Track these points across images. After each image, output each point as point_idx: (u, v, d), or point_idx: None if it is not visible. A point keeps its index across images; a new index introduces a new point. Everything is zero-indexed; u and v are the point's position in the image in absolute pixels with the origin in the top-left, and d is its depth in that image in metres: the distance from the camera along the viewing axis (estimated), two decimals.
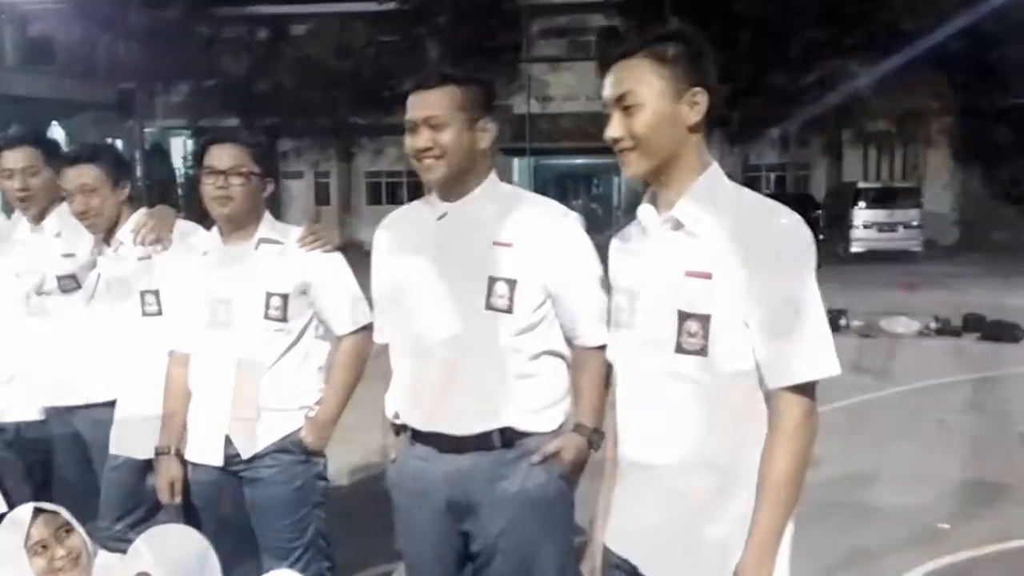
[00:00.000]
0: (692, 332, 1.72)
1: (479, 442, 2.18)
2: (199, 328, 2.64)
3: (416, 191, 27.18)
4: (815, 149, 25.23)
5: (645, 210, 1.84)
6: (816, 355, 1.68)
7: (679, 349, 1.72)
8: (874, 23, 20.67)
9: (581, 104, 27.28)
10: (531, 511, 2.19)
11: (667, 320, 1.74)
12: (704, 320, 1.70)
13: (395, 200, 25.28)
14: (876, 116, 23.24)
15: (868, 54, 20.73)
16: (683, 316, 1.72)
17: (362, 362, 2.66)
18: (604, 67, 1.79)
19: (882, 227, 18.92)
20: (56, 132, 22.95)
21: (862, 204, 19.15)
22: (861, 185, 20.79)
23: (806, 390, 1.69)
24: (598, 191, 31.52)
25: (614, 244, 1.95)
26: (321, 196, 29.07)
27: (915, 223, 19.16)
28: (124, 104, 25.01)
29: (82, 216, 2.86)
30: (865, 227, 18.76)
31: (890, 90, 21.45)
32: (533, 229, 2.18)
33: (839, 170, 25.21)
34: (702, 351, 1.71)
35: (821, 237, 17.61)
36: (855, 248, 18.52)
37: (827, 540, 4.05)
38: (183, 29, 24.39)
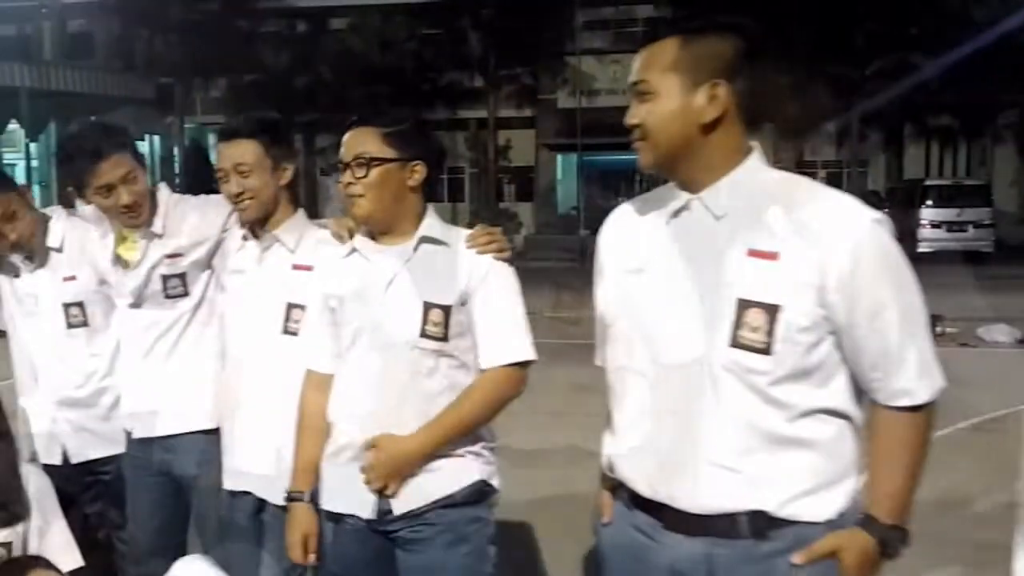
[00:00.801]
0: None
1: (719, 525, 1.65)
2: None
3: (458, 188, 26.69)
4: (874, 144, 24.43)
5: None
6: None
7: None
8: (938, 12, 19.90)
9: (627, 98, 26.73)
10: None
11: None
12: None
13: (434, 197, 24.89)
14: (940, 110, 22.43)
15: (931, 45, 19.95)
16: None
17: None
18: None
19: (951, 226, 18.17)
20: None
21: (930, 202, 18.41)
22: (929, 182, 20.15)
23: None
24: (643, 188, 30.93)
25: None
26: None
27: (986, 222, 18.44)
28: (163, 99, 24.89)
29: (237, 199, 2.45)
30: (933, 226, 17.99)
31: (955, 83, 20.63)
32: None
33: (899, 167, 24.45)
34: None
35: None
36: (922, 248, 17.83)
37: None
38: (222, 23, 24.21)
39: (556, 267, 15.75)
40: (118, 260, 2.68)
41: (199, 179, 25.37)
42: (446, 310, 2.08)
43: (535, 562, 3.93)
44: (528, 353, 2.12)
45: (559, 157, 30.06)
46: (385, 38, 25.36)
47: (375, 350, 2.10)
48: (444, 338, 2.08)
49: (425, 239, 2.14)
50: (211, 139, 29.94)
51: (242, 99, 24.14)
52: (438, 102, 25.12)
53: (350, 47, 25.25)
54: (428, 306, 2.08)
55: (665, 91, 1.66)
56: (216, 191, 2.76)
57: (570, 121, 25.27)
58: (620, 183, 32.95)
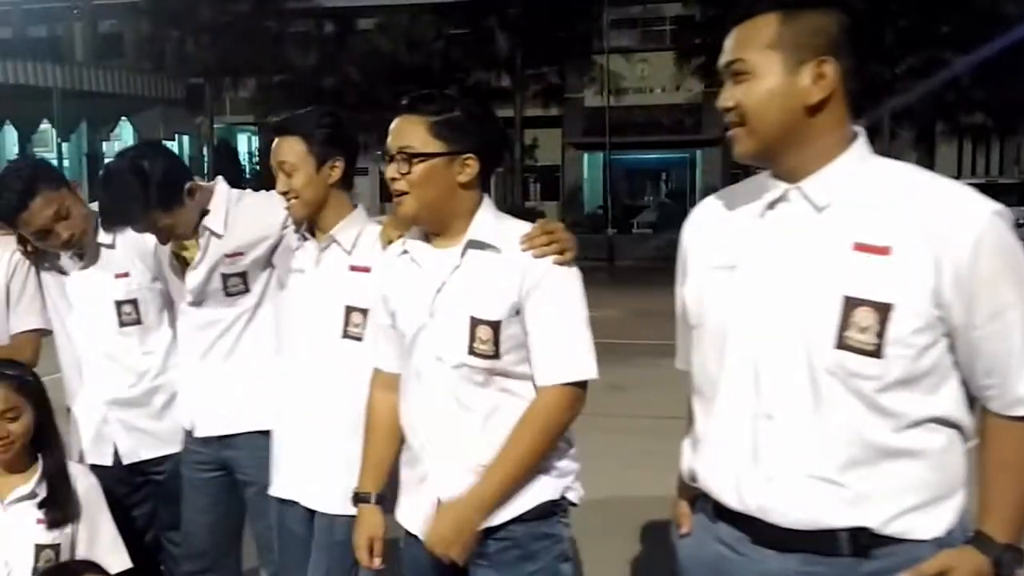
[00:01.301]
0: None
1: (816, 542, 1.52)
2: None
3: (500, 187, 26.53)
4: (905, 143, 24.15)
5: None
6: None
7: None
8: (970, 9, 19.63)
9: (656, 96, 26.63)
10: None
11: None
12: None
13: None
14: (972, 108, 22.11)
15: (963, 42, 19.69)
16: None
17: None
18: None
19: None
20: (125, 128, 23.19)
21: None
22: (962, 181, 19.76)
23: None
24: (670, 187, 30.75)
25: None
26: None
27: (1021, 222, 18.17)
28: (193, 99, 25.09)
29: (285, 197, 2.40)
30: None
31: (987, 80, 20.34)
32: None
33: (931, 165, 24.14)
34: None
35: None
36: None
37: None
38: (251, 24, 24.35)
39: (583, 266, 15.58)
40: (177, 260, 2.62)
41: (228, 179, 25.59)
42: (495, 326, 1.87)
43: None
44: (588, 371, 1.89)
45: (586, 156, 29.98)
46: (412, 38, 25.37)
47: (427, 361, 1.94)
48: (495, 355, 1.88)
49: (473, 243, 1.93)
50: (240, 139, 30.16)
51: (271, 99, 24.28)
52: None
53: (378, 47, 25.28)
54: (475, 322, 1.88)
55: (765, 70, 1.51)
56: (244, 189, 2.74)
57: (597, 120, 25.20)
58: (647, 182, 32.83)
